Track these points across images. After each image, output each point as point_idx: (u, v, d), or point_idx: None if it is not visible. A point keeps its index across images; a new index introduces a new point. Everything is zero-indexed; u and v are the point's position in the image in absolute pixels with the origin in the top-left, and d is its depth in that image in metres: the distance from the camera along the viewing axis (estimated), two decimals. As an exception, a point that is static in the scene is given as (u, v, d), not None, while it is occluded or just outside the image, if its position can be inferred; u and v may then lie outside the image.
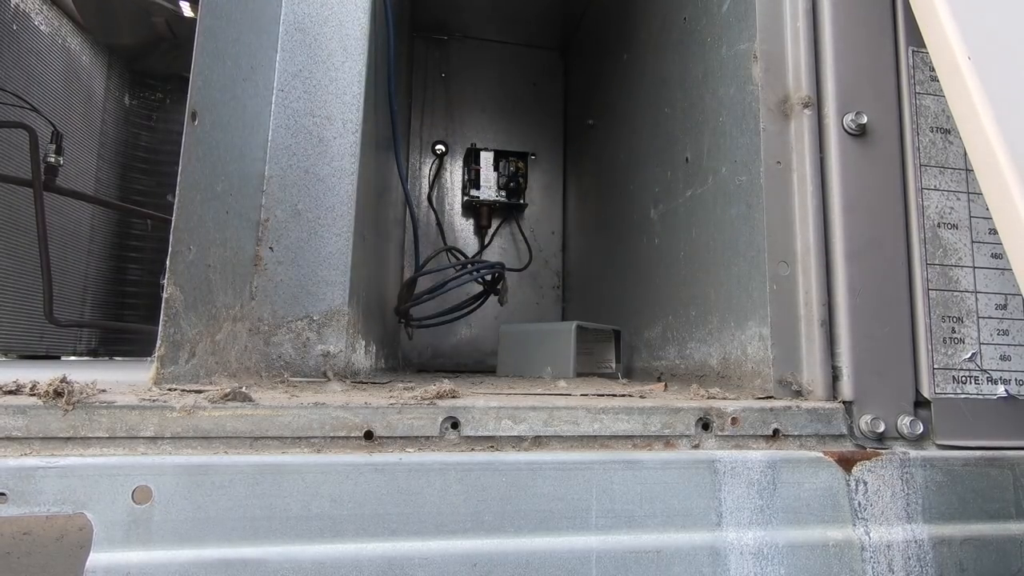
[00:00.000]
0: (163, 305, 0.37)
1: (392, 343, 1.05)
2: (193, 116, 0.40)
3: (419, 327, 0.95)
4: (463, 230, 1.40)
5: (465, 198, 1.36)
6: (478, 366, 1.30)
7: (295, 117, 0.60)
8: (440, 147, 1.40)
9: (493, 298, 0.93)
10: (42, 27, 1.52)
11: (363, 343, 0.68)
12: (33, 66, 1.47)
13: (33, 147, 1.19)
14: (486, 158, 1.36)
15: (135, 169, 1.91)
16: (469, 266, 0.85)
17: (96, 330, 1.79)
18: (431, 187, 1.39)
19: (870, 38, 0.49)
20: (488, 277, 0.88)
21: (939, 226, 0.46)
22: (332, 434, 0.34)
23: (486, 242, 1.39)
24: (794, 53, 0.50)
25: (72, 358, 1.68)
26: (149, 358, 0.37)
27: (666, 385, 0.48)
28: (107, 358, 1.81)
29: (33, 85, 1.45)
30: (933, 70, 0.50)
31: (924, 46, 0.51)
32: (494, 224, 1.40)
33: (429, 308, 0.95)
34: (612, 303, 1.04)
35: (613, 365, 0.83)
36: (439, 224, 1.38)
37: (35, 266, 1.23)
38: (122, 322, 1.84)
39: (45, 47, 1.52)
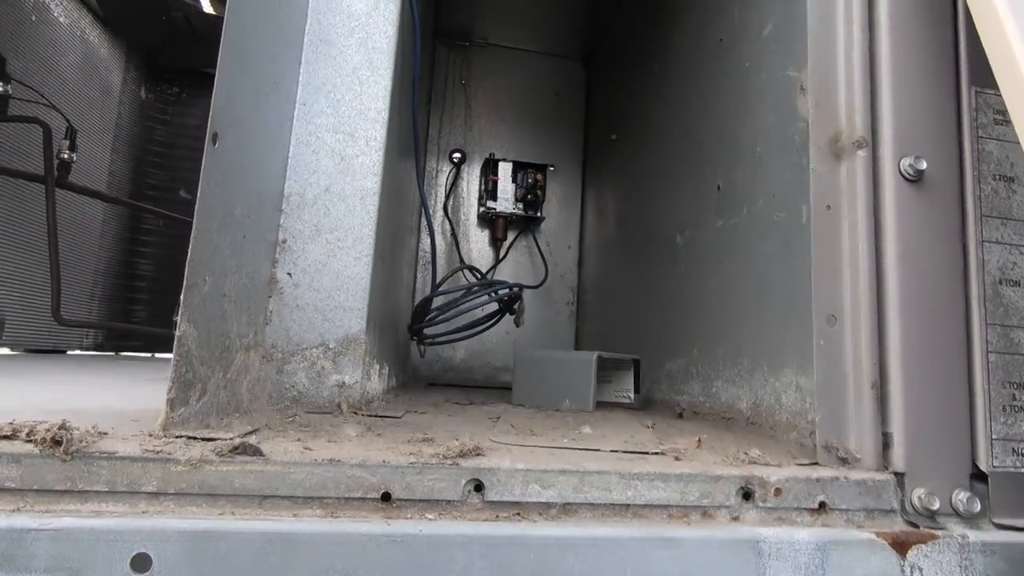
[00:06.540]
0: (176, 344, 0.35)
1: (403, 358, 1.02)
2: (214, 139, 0.38)
3: (432, 344, 0.92)
4: (478, 241, 1.37)
5: (481, 209, 1.34)
6: (488, 381, 1.28)
7: (317, 133, 0.57)
8: (457, 155, 1.38)
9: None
10: (61, 19, 1.50)
11: (377, 367, 0.66)
12: (51, 58, 1.45)
13: (47, 143, 1.18)
14: (504, 169, 1.33)
15: (149, 163, 1.89)
16: (488, 288, 0.83)
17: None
18: (447, 196, 1.36)
19: (931, 76, 0.46)
20: (506, 298, 0.85)
21: (1000, 283, 0.43)
22: (347, 495, 0.32)
23: (501, 255, 1.36)
24: (847, 89, 0.47)
25: (78, 352, 1.67)
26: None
27: (700, 441, 0.45)
28: (112, 354, 1.80)
29: (51, 77, 1.44)
30: (997, 112, 0.47)
31: (988, 86, 0.48)
32: (510, 237, 1.36)
33: (442, 325, 0.93)
34: (630, 326, 1.01)
35: (631, 395, 0.80)
36: (454, 236, 1.35)
37: (45, 261, 1.22)
38: (128, 318, 1.83)
39: (64, 39, 1.51)
